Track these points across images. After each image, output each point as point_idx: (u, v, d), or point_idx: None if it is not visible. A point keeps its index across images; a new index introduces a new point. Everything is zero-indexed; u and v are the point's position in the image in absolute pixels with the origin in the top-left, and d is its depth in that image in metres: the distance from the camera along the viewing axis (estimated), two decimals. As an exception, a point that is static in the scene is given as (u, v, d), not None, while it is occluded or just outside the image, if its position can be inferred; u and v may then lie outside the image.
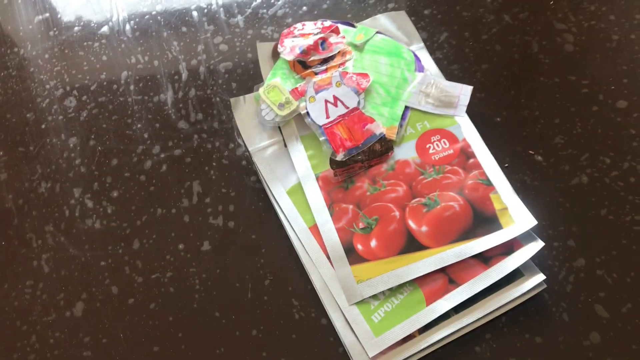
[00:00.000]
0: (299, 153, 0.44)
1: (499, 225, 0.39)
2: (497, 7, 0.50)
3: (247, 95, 0.47)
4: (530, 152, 0.44)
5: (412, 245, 0.40)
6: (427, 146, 0.43)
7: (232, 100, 0.47)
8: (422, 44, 0.48)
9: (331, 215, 0.42)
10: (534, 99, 0.46)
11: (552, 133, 0.44)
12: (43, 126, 0.49)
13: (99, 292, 0.42)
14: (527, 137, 0.44)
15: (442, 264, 0.39)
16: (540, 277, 0.38)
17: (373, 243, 0.40)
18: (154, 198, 0.45)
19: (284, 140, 0.45)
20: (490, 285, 0.38)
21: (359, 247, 0.40)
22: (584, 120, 0.45)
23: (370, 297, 0.39)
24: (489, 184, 0.41)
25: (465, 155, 0.42)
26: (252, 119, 0.46)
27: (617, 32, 0.48)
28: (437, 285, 0.38)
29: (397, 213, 0.41)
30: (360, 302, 0.39)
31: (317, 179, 0.43)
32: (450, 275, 0.38)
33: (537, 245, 0.38)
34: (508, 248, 0.39)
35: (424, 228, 0.40)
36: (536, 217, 0.41)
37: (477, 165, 0.42)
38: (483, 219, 0.40)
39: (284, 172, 0.43)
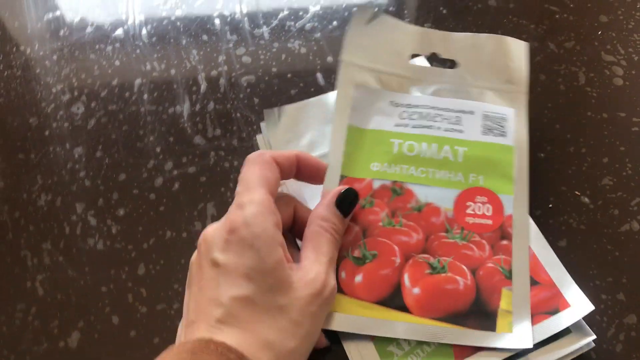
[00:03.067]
0: (338, 142, 0.40)
1: (493, 326, 0.35)
2: (542, 34, 0.47)
3: (282, 107, 0.43)
4: (577, 192, 0.40)
5: (394, 300, 0.35)
6: (468, 204, 0.38)
7: (265, 111, 0.42)
8: (525, 92, 0.43)
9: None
10: (581, 135, 0.42)
11: (600, 173, 0.41)
12: (47, 133, 0.46)
13: (98, 322, 0.38)
14: (573, 176, 0.41)
15: (414, 337, 0.34)
16: (590, 337, 0.34)
17: (358, 278, 0.36)
18: (164, 219, 0.41)
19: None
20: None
21: (342, 275, 0.36)
22: (635, 161, 0.41)
23: (394, 346, 0.35)
24: (508, 277, 0.36)
25: (502, 233, 0.38)
26: (286, 134, 0.42)
27: (670, 68, 0.45)
28: None
29: (398, 260, 0.37)
30: (383, 352, 0.35)
31: (341, 181, 0.39)
32: None
33: (587, 308, 0.34)
34: (553, 307, 0.35)
35: (416, 290, 0.36)
36: (583, 265, 0.38)
37: (508, 251, 0.37)
38: (480, 311, 0.35)
39: (311, 195, 0.39)
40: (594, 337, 0.34)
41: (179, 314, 0.38)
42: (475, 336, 0.34)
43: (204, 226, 0.40)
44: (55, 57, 0.49)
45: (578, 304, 0.34)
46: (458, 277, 0.36)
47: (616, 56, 0.46)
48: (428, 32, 0.45)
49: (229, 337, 0.29)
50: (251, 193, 0.32)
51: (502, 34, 0.47)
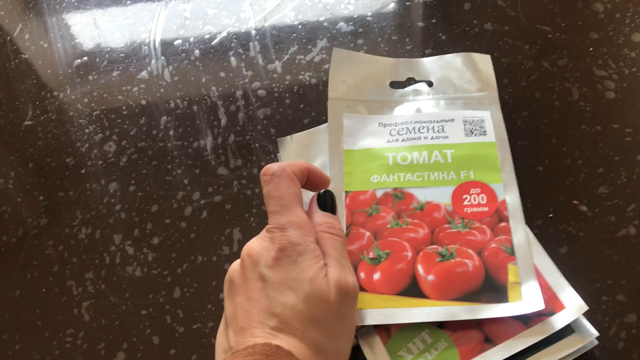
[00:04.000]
0: (337, 165, 0.45)
1: (505, 297, 0.38)
2: (536, 54, 0.50)
3: (294, 135, 0.47)
4: (575, 202, 0.43)
5: (412, 290, 0.39)
6: (464, 196, 0.43)
7: (278, 140, 0.47)
8: (496, 97, 0.47)
9: (347, 235, 0.42)
10: (577, 148, 0.45)
11: (596, 183, 0.44)
12: (83, 171, 0.50)
13: (140, 342, 0.41)
14: (571, 186, 0.44)
15: (435, 319, 0.38)
16: (593, 336, 0.37)
17: (376, 276, 0.40)
18: (195, 245, 0.45)
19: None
20: (539, 341, 0.37)
21: (362, 275, 0.40)
22: (629, 169, 0.44)
23: (404, 351, 0.38)
24: (511, 253, 0.40)
25: (499, 217, 0.42)
26: (299, 158, 0.46)
27: (659, 79, 0.48)
28: (472, 343, 0.38)
29: (409, 254, 0.41)
30: (394, 356, 0.38)
31: (346, 196, 0.43)
32: (486, 334, 0.38)
33: (581, 308, 0.37)
34: (549, 309, 0.38)
35: (430, 277, 0.40)
36: (584, 270, 0.40)
37: (507, 231, 0.41)
38: (492, 286, 0.39)
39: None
40: (597, 334, 0.37)
41: (213, 332, 0.41)
42: (490, 309, 0.38)
43: (231, 250, 0.44)
44: (86, 100, 0.54)
45: (573, 305, 0.38)
46: (466, 260, 0.40)
47: (608, 71, 0.49)
48: (400, 61, 0.50)
49: (286, 343, 0.33)
50: (290, 213, 0.36)
51: (499, 55, 0.51)
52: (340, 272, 0.36)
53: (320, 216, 0.39)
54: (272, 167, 0.38)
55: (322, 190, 0.40)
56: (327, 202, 0.40)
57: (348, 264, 0.37)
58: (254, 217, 0.46)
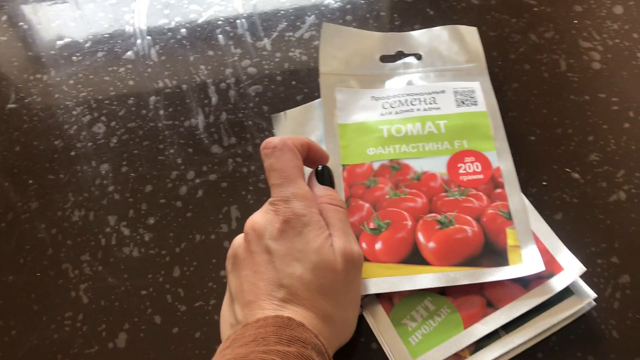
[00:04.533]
0: (332, 139, 0.45)
1: (505, 261, 0.39)
2: (523, 27, 0.51)
3: (287, 111, 0.47)
4: (567, 169, 0.44)
5: (414, 257, 0.40)
6: (459, 165, 0.43)
7: (272, 116, 0.47)
8: (484, 67, 0.48)
9: (347, 208, 0.42)
10: (566, 117, 0.46)
11: (586, 150, 0.45)
12: (72, 153, 0.49)
13: (142, 322, 0.41)
14: (563, 155, 0.45)
15: (438, 284, 0.39)
16: (591, 297, 0.38)
17: (378, 245, 0.41)
18: (192, 224, 0.45)
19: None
20: (540, 304, 0.38)
21: (363, 245, 0.41)
22: (617, 137, 0.45)
23: (408, 319, 0.39)
24: (508, 218, 0.41)
25: (494, 183, 0.43)
26: (294, 134, 0.46)
27: (642, 49, 0.49)
28: (474, 308, 0.38)
29: (409, 223, 0.41)
30: (398, 324, 0.39)
31: (343, 169, 0.43)
32: (488, 298, 0.39)
33: (579, 269, 0.38)
34: (549, 272, 0.39)
35: (431, 244, 0.40)
36: (578, 235, 0.41)
37: (503, 197, 0.42)
38: (492, 251, 0.40)
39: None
40: (595, 296, 0.38)
41: (216, 309, 0.41)
42: (492, 273, 0.39)
43: (230, 228, 0.44)
44: (71, 81, 0.52)
45: (571, 267, 0.39)
46: (465, 227, 0.41)
47: (592, 42, 0.50)
48: (389, 35, 0.50)
49: (295, 314, 0.33)
50: (293, 186, 0.36)
51: (486, 29, 0.51)
52: (345, 242, 0.36)
53: (321, 189, 0.39)
54: (273, 140, 0.37)
55: (320, 167, 0.40)
56: (325, 178, 0.40)
57: (352, 234, 0.37)
58: (251, 195, 0.45)
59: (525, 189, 0.43)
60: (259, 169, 0.46)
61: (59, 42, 0.55)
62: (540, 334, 0.38)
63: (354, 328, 0.37)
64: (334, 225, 0.37)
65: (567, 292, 0.38)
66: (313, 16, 0.54)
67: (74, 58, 0.54)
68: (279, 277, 0.34)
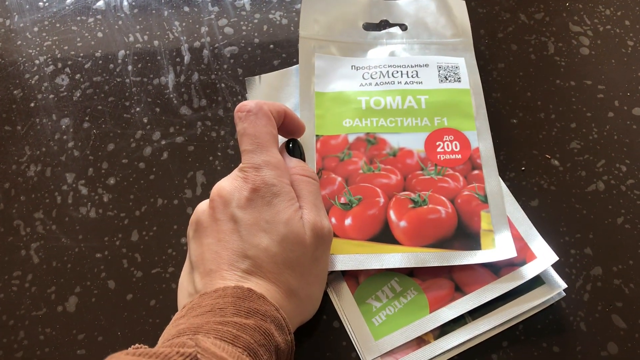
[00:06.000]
0: (308, 107, 0.43)
1: (478, 245, 0.38)
2: (513, 6, 0.49)
3: (262, 75, 0.45)
4: (547, 156, 0.43)
5: (384, 236, 0.38)
6: (437, 143, 0.42)
7: (246, 79, 0.44)
8: (471, 43, 0.46)
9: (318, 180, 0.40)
10: (551, 102, 0.45)
11: (568, 138, 0.44)
12: (32, 104, 0.46)
13: (95, 287, 0.39)
14: (544, 140, 0.43)
15: (407, 264, 0.37)
16: (561, 287, 0.37)
17: (348, 221, 0.39)
18: (155, 187, 0.42)
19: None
20: (509, 291, 0.37)
21: (333, 220, 0.39)
22: (600, 126, 0.44)
23: (372, 299, 0.37)
24: (484, 201, 0.40)
25: (472, 164, 0.41)
26: (267, 100, 0.43)
27: (632, 38, 0.48)
28: (442, 292, 0.37)
29: (382, 200, 0.40)
30: (362, 304, 0.37)
31: (317, 140, 0.42)
32: (456, 282, 0.37)
33: (551, 258, 0.37)
34: (521, 259, 0.37)
35: (402, 223, 0.39)
36: (553, 223, 0.40)
37: (480, 179, 0.40)
38: (464, 234, 0.38)
39: None
40: (565, 286, 0.37)
41: (174, 277, 0.39)
42: (463, 256, 0.37)
43: (194, 194, 0.42)
44: (36, 28, 0.49)
45: (543, 256, 0.37)
46: (439, 207, 0.39)
47: (583, 27, 0.48)
48: (375, 1, 0.48)
49: (258, 287, 0.31)
50: (265, 153, 0.34)
51: (475, 5, 0.49)
52: (316, 216, 0.34)
53: (293, 161, 0.37)
54: (248, 104, 0.35)
55: (290, 140, 0.38)
56: (295, 153, 0.38)
57: (323, 208, 0.36)
58: (219, 161, 0.43)
59: (504, 172, 0.42)
60: (229, 134, 0.44)
61: (25, -14, 0.52)
62: (507, 322, 0.37)
63: (318, 304, 0.35)
64: (305, 197, 0.35)
65: (537, 281, 0.37)
66: (297, -22, 0.51)
67: (40, 4, 0.51)
68: (244, 247, 0.32)
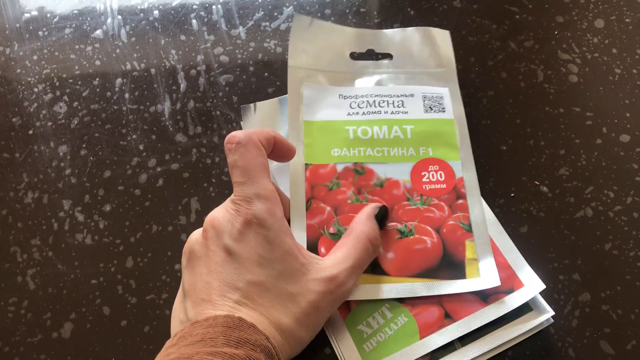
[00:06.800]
0: (297, 136, 0.44)
1: (463, 274, 0.39)
2: (503, 34, 0.50)
3: (258, 103, 0.45)
4: (536, 182, 0.44)
5: (372, 267, 0.39)
6: (423, 173, 0.42)
7: (242, 107, 0.45)
8: (454, 73, 0.47)
9: (307, 210, 0.41)
10: (540, 129, 0.46)
11: (557, 164, 0.44)
12: (30, 132, 0.47)
13: (90, 313, 0.40)
14: (533, 167, 0.44)
15: (395, 295, 0.38)
16: (549, 314, 0.37)
17: None
18: (150, 214, 0.43)
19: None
20: (498, 318, 0.37)
21: (322, 250, 0.40)
22: (589, 152, 0.45)
23: (364, 325, 0.38)
24: (468, 230, 0.40)
25: (457, 194, 0.42)
26: (262, 127, 0.44)
27: (619, 65, 0.48)
28: (432, 318, 0.38)
29: None
30: (353, 330, 0.38)
31: (306, 169, 0.42)
32: (446, 310, 0.38)
33: (539, 287, 0.38)
34: (508, 287, 0.38)
35: (390, 254, 0.39)
36: (542, 249, 0.41)
37: (464, 208, 0.41)
38: (450, 263, 0.39)
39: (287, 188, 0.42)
40: (553, 313, 0.37)
41: (168, 304, 0.40)
42: (449, 285, 0.38)
43: (189, 220, 0.42)
44: (35, 57, 0.50)
45: (531, 284, 0.38)
46: (425, 237, 0.40)
47: (571, 54, 0.49)
48: (361, 31, 0.49)
49: (248, 317, 0.31)
50: (256, 185, 0.35)
51: (466, 34, 0.50)
52: (345, 273, 0.35)
53: (372, 223, 0.38)
54: (238, 134, 0.36)
55: (381, 205, 0.40)
56: (382, 216, 0.39)
57: (357, 274, 0.37)
58: (213, 187, 0.44)
59: (493, 199, 0.43)
60: (224, 161, 0.45)
61: (26, 15, 0.53)
62: (496, 347, 0.37)
63: (305, 346, 0.35)
64: (353, 254, 0.36)
65: (525, 308, 0.38)
66: (291, 7, 0.52)
67: (40, 33, 0.52)
68: (236, 279, 0.33)
